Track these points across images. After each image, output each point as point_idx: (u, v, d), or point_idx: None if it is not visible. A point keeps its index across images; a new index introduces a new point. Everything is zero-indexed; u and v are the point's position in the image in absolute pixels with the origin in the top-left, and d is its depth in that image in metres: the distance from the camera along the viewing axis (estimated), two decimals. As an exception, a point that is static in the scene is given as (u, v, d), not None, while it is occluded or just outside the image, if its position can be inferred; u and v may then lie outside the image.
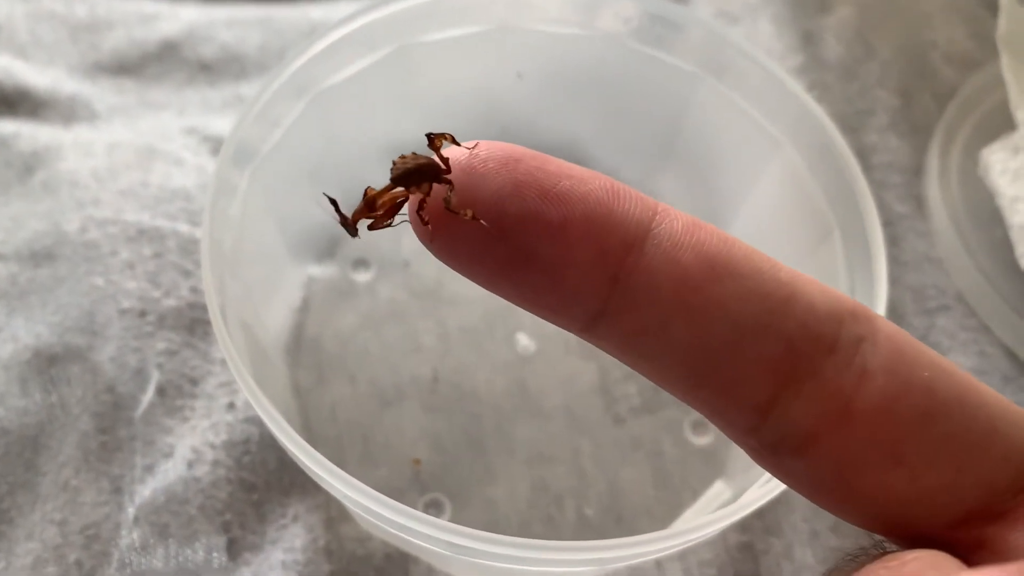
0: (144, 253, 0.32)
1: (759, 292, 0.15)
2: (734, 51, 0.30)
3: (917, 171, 0.36)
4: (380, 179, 0.33)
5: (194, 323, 0.31)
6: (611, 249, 0.15)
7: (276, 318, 0.31)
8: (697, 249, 0.15)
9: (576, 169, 0.16)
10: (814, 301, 0.15)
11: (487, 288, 0.16)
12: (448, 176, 0.16)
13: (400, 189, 0.17)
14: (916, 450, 0.15)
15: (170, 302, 0.32)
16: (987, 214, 0.34)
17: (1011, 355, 0.33)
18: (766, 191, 0.31)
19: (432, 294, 0.33)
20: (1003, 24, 0.36)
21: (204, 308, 0.31)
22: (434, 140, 0.17)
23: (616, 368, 0.32)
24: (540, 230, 0.15)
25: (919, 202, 0.36)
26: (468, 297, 0.33)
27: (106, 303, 0.31)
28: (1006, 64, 0.36)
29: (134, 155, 0.36)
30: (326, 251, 0.33)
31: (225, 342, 0.23)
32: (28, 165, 0.36)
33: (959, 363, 0.32)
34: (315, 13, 0.43)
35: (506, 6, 0.32)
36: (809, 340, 0.15)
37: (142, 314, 0.31)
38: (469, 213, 0.15)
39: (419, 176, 0.16)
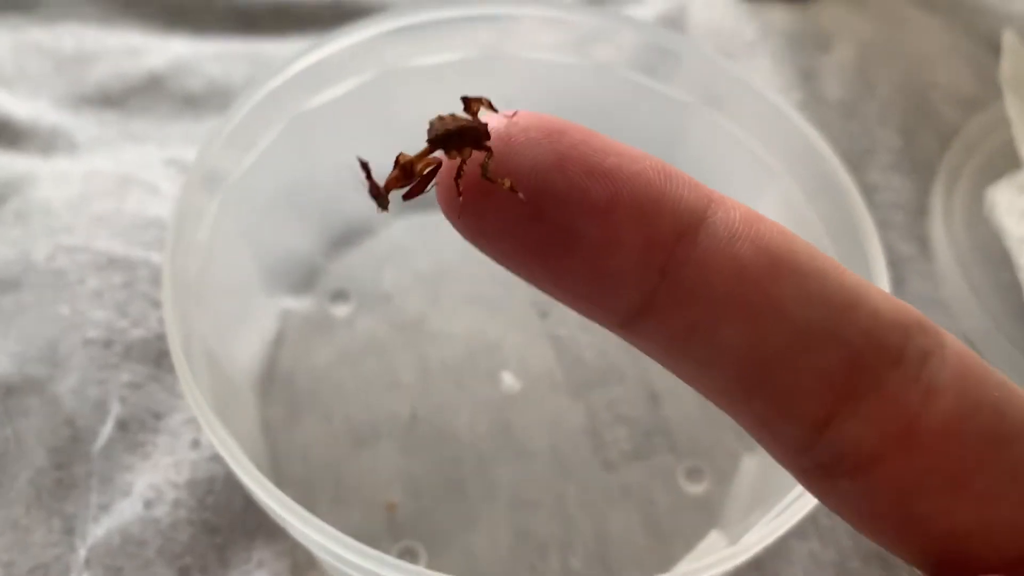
0: (114, 282, 0.31)
1: (822, 295, 0.14)
2: (730, 80, 0.29)
3: (921, 211, 0.35)
4: (365, 208, 0.32)
5: (161, 355, 0.30)
6: (661, 236, 0.14)
7: (247, 352, 0.30)
8: (757, 242, 0.14)
9: (625, 147, 0.14)
10: (880, 309, 0.14)
11: (517, 272, 0.15)
12: (488, 143, 0.14)
13: (436, 154, 0.15)
14: (985, 477, 0.13)
15: (138, 332, 0.30)
16: (994, 255, 0.33)
17: (1022, 401, 0.31)
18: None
19: (414, 328, 0.31)
20: (1006, 64, 0.35)
21: (173, 340, 0.29)
22: (471, 104, 0.15)
23: (606, 410, 0.31)
24: (583, 209, 0.14)
25: (923, 242, 0.34)
26: (451, 332, 0.31)
27: (70, 333, 0.30)
28: (1010, 103, 0.35)
29: (110, 183, 0.35)
30: (303, 283, 0.32)
31: (183, 373, 0.22)
32: (1, 194, 0.35)
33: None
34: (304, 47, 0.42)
35: (493, 33, 0.31)
36: (873, 351, 0.13)
37: (107, 344, 0.30)
38: (507, 183, 0.14)
39: (459, 139, 0.15)
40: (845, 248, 0.26)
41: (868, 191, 0.35)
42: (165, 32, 0.43)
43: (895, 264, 0.34)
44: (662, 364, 0.15)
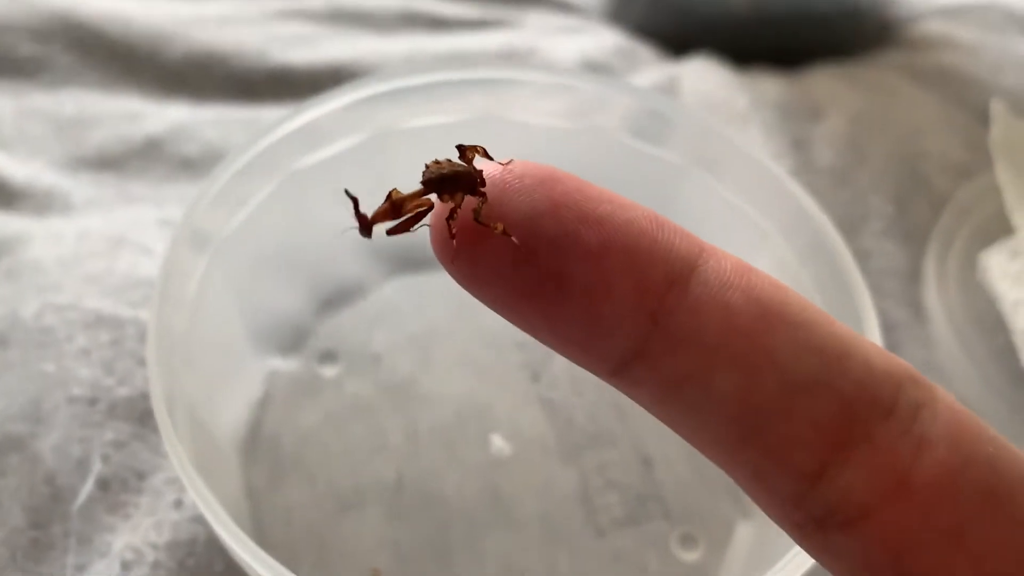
0: (101, 340, 0.31)
1: (814, 345, 0.14)
2: (722, 144, 0.30)
3: (914, 277, 0.35)
4: (356, 268, 0.32)
5: (146, 414, 0.29)
6: (653, 282, 0.14)
7: (232, 412, 0.29)
8: (748, 292, 0.14)
9: (617, 196, 0.14)
10: (871, 360, 0.14)
11: (509, 317, 0.15)
12: (482, 189, 0.15)
13: (428, 196, 0.15)
14: (980, 532, 0.13)
15: (123, 391, 0.30)
16: (989, 320, 0.33)
17: None
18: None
19: (402, 390, 0.31)
20: (995, 131, 0.36)
21: (158, 399, 0.29)
22: (465, 152, 0.16)
23: (598, 474, 0.30)
24: (576, 254, 0.14)
25: (917, 308, 0.34)
26: (441, 394, 0.31)
27: (55, 390, 0.29)
28: (1000, 170, 0.35)
29: (103, 243, 0.35)
30: (291, 343, 0.32)
31: (166, 430, 0.22)
32: (-6, 253, 0.35)
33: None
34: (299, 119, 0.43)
35: (489, 96, 0.31)
36: (865, 401, 0.13)
37: (92, 402, 0.29)
38: (500, 227, 0.14)
39: (453, 184, 0.15)
40: (839, 311, 0.26)
41: (861, 257, 0.35)
42: (164, 98, 0.44)
43: (889, 330, 0.34)
44: (653, 413, 0.15)
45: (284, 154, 0.29)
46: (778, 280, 0.15)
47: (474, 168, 0.15)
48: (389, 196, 0.16)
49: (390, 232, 0.16)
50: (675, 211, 0.31)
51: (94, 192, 0.39)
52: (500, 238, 0.14)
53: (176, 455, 0.22)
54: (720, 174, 0.30)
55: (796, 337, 0.14)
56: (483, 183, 0.15)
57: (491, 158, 0.15)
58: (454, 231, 0.15)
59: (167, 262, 0.25)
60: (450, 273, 0.15)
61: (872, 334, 0.25)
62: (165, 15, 0.47)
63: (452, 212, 0.15)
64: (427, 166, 0.16)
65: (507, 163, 0.15)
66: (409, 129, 0.30)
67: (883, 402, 0.13)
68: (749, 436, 0.14)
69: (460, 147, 0.16)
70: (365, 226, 0.16)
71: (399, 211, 0.16)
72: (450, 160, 0.16)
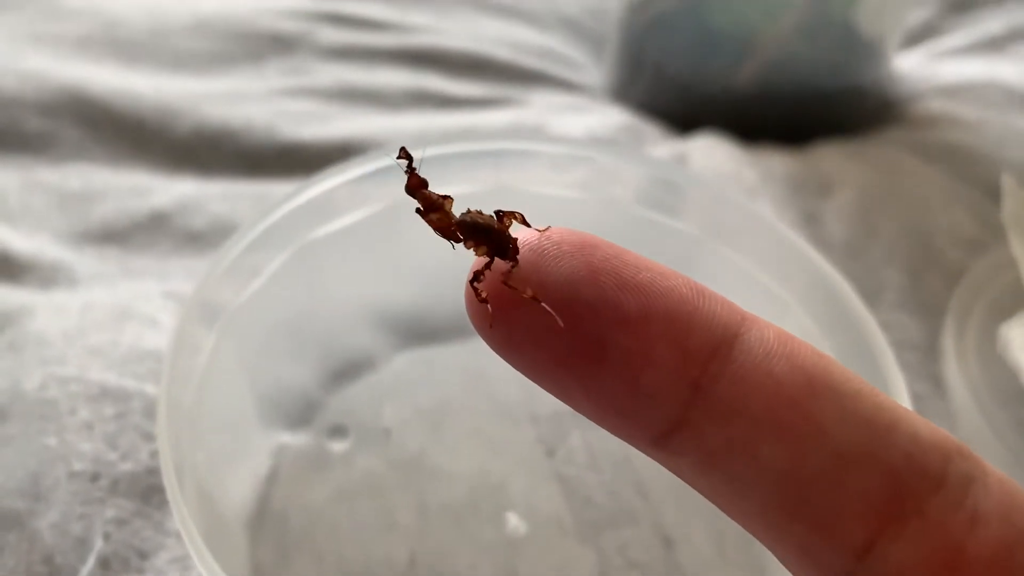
0: (105, 413, 0.30)
1: (861, 415, 0.13)
2: (738, 213, 0.29)
3: (931, 349, 0.35)
4: (366, 340, 0.31)
5: (150, 490, 0.28)
6: (695, 350, 0.14)
7: (240, 487, 0.28)
8: (792, 361, 0.14)
9: (656, 264, 0.14)
10: (919, 431, 0.13)
11: (546, 386, 0.14)
12: (515, 255, 0.15)
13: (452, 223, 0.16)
14: None
15: (127, 466, 0.29)
16: (1011, 393, 0.32)
17: (1054, 548, 0.29)
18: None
19: (414, 466, 0.30)
20: (1008, 205, 0.36)
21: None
22: (503, 218, 0.15)
23: (617, 555, 0.29)
24: (616, 321, 0.14)
25: (936, 381, 0.34)
26: (453, 470, 0.30)
27: (56, 465, 0.28)
28: (1015, 244, 0.35)
29: (108, 316, 0.34)
30: (301, 417, 0.31)
31: (180, 510, 0.21)
32: (-3, 326, 0.35)
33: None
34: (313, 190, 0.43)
35: (501, 168, 0.31)
36: (915, 474, 0.13)
37: (94, 478, 0.28)
38: (529, 292, 0.14)
39: (483, 236, 0.15)
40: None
41: (878, 330, 0.35)
42: (172, 173, 0.44)
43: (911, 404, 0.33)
44: (694, 485, 0.14)
45: (296, 226, 0.29)
46: (818, 348, 0.14)
47: (507, 231, 0.15)
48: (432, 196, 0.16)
49: (410, 186, 0.16)
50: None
51: (99, 266, 0.39)
52: (536, 304, 0.14)
53: (187, 530, 0.21)
54: (736, 244, 0.30)
55: (843, 407, 0.13)
56: (516, 250, 0.15)
57: (528, 224, 0.15)
58: (483, 294, 0.15)
59: (177, 335, 0.25)
60: (484, 339, 0.15)
61: (903, 403, 0.24)
62: (174, 91, 0.47)
63: (478, 274, 0.15)
64: (468, 210, 0.16)
65: (544, 230, 0.15)
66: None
67: (933, 474, 0.13)
68: (796, 509, 0.13)
69: (498, 212, 0.16)
70: (412, 185, 0.16)
71: (430, 204, 0.16)
72: (489, 215, 0.15)
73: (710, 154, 0.43)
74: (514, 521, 0.29)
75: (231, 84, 0.48)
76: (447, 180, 0.31)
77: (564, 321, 0.14)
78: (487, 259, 0.15)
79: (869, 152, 0.44)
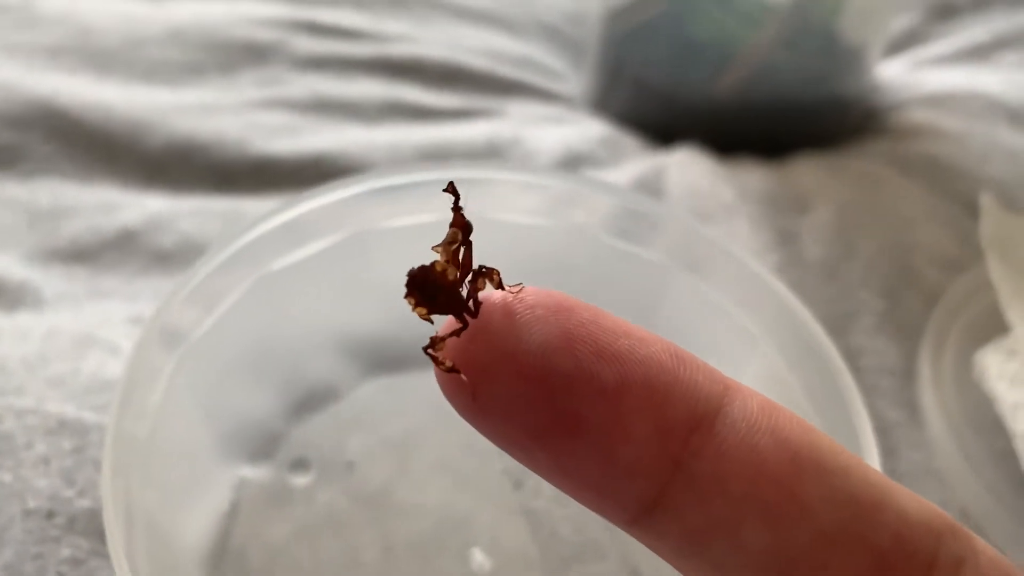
0: (63, 447, 0.29)
1: (847, 493, 0.13)
2: (706, 244, 0.29)
3: (907, 375, 0.34)
4: (331, 369, 0.30)
5: (106, 528, 0.28)
6: (675, 424, 0.13)
7: (197, 524, 0.28)
8: (777, 435, 0.13)
9: (635, 328, 0.14)
10: (908, 510, 0.13)
11: (519, 458, 0.14)
12: (468, 318, 0.14)
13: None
14: None
15: (84, 503, 0.28)
16: (987, 421, 0.32)
17: (1028, 582, 0.29)
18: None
19: (377, 502, 0.29)
20: (986, 226, 0.35)
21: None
22: (478, 278, 0.14)
23: (583, 590, 0.28)
24: (592, 393, 0.13)
25: (912, 408, 0.33)
26: (419, 505, 0.29)
27: (10, 502, 0.28)
28: (993, 267, 0.34)
29: (70, 342, 0.34)
30: (262, 450, 0.30)
31: (116, 549, 0.20)
32: (-43, 352, 0.34)
33: (970, 591, 0.29)
34: (278, 217, 0.42)
35: (469, 196, 0.30)
36: (903, 556, 0.13)
37: (49, 515, 0.28)
38: (448, 364, 0.14)
39: (431, 294, 0.14)
40: (830, 418, 0.25)
41: (852, 355, 0.34)
42: (143, 189, 0.43)
43: (884, 431, 0.32)
44: (675, 566, 0.14)
45: (259, 254, 0.28)
46: (806, 421, 0.14)
47: (459, 295, 0.14)
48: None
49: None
50: (660, 313, 0.31)
51: (66, 286, 0.38)
52: (511, 373, 0.13)
53: (121, 571, 0.20)
54: (705, 274, 0.29)
55: (830, 485, 0.13)
56: (471, 312, 0.14)
57: (502, 286, 0.14)
58: (446, 363, 0.14)
59: (132, 364, 0.24)
60: (455, 408, 0.14)
61: (868, 444, 0.23)
62: (146, 103, 0.46)
63: (434, 341, 0.14)
64: (431, 264, 0.15)
65: (517, 289, 0.14)
66: (386, 229, 0.30)
67: (922, 557, 0.13)
68: None
69: (476, 271, 0.15)
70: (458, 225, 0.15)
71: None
72: (452, 270, 0.14)
73: (687, 169, 0.42)
74: (479, 558, 0.29)
75: (204, 95, 0.47)
76: (412, 210, 0.30)
77: (537, 393, 0.13)
78: (454, 324, 0.14)
79: (849, 166, 0.44)
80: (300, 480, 0.30)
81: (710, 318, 0.29)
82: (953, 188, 0.42)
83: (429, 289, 0.15)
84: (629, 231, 0.30)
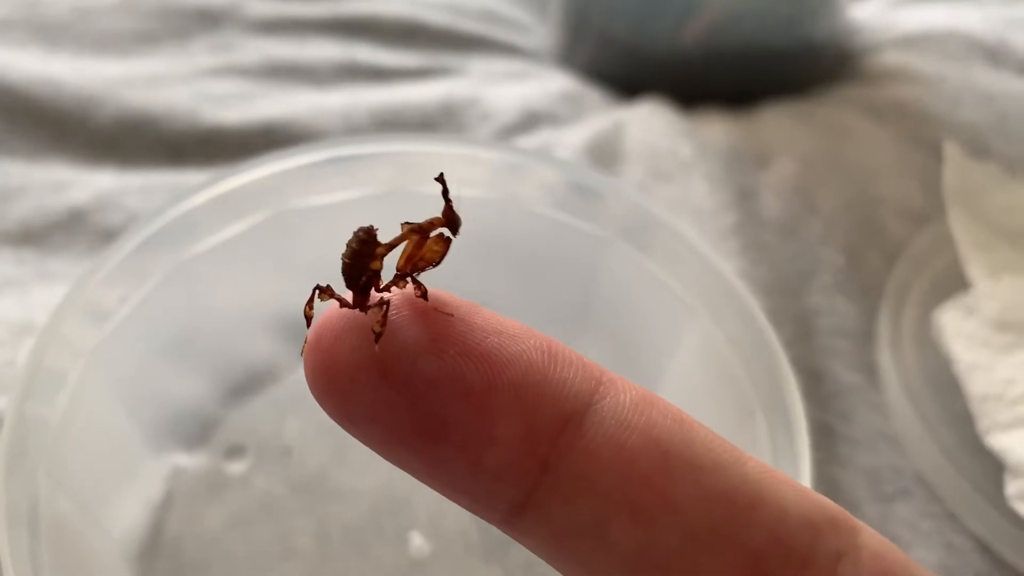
0: (-8, 443, 0.29)
1: (720, 492, 0.12)
2: (648, 217, 0.28)
3: (867, 336, 0.33)
4: (267, 350, 0.29)
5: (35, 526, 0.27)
6: (543, 425, 0.13)
7: (128, 515, 0.27)
8: (648, 432, 0.13)
9: (508, 323, 0.13)
10: (785, 505, 0.13)
11: (390, 460, 0.13)
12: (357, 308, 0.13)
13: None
14: None
15: (15, 499, 0.28)
16: (945, 383, 0.31)
17: (982, 547, 0.28)
18: (685, 365, 0.28)
19: (314, 487, 0.29)
20: (948, 175, 0.34)
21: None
22: (399, 280, 0.14)
23: (524, 572, 0.28)
24: (457, 395, 0.13)
25: (871, 371, 0.32)
26: (355, 489, 0.29)
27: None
28: (954, 218, 0.33)
29: (9, 331, 0.33)
30: (198, 436, 0.30)
31: (4, 549, 0.20)
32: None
33: (923, 558, 0.28)
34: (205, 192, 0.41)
35: (396, 170, 0.29)
36: (778, 555, 0.12)
37: (-21, 514, 0.27)
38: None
39: (362, 263, 0.14)
40: (765, 397, 0.24)
41: (810, 316, 0.33)
42: (93, 165, 0.42)
43: (841, 395, 0.31)
44: (549, 563, 0.14)
45: (179, 236, 0.27)
46: (683, 413, 0.13)
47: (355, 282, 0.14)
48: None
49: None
50: (599, 285, 0.30)
51: (14, 271, 0.38)
52: (374, 376, 0.13)
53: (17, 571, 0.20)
54: (645, 247, 0.28)
55: (701, 483, 0.13)
56: (364, 305, 0.13)
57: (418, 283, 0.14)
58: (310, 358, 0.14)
59: (39, 347, 0.23)
60: (323, 409, 0.14)
61: (799, 428, 0.23)
62: (96, 76, 0.45)
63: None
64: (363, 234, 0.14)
65: (402, 283, 0.14)
66: (313, 206, 0.29)
67: (798, 554, 0.12)
68: None
69: (406, 274, 0.14)
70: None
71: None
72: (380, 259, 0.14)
73: (647, 125, 0.40)
74: (418, 541, 0.28)
75: (155, 65, 0.46)
76: (340, 186, 0.29)
77: (404, 395, 0.13)
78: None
79: (817, 113, 0.42)
80: (236, 467, 0.29)
81: (649, 290, 0.28)
82: (922, 135, 0.40)
83: (363, 261, 0.14)
84: (571, 204, 0.29)
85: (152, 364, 0.28)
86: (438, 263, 0.14)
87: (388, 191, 0.29)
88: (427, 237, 0.14)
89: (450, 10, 0.50)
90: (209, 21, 0.49)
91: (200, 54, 0.47)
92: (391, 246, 0.14)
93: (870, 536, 0.13)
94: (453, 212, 0.14)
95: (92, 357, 0.25)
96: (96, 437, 0.26)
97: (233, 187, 0.28)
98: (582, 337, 0.31)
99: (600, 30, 0.47)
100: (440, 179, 0.14)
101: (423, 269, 0.14)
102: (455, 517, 0.28)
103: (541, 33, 0.50)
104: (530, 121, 0.43)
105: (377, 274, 0.14)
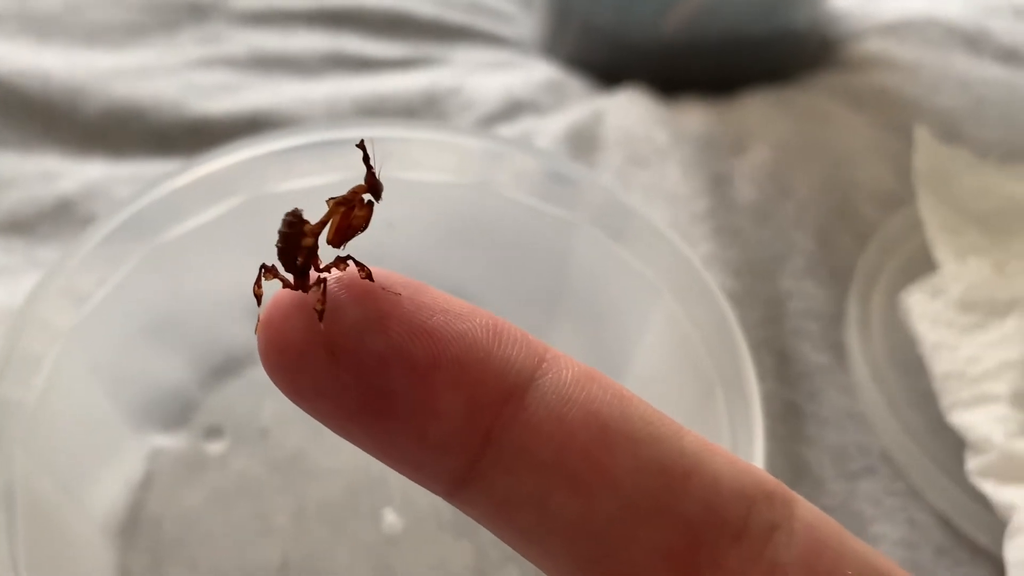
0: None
1: (657, 463, 0.13)
2: (618, 205, 0.28)
3: (837, 318, 0.33)
4: (243, 332, 0.30)
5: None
6: (485, 399, 0.13)
7: (108, 495, 0.28)
8: (588, 406, 0.13)
9: (455, 303, 0.14)
10: (720, 478, 0.13)
11: (340, 433, 0.14)
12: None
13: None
14: None
15: None
16: (912, 364, 0.31)
17: (944, 523, 0.29)
18: (652, 345, 0.28)
19: (291, 466, 0.30)
20: (918, 159, 0.34)
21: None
22: (338, 263, 0.14)
23: (495, 548, 0.29)
24: (403, 371, 0.13)
25: (839, 352, 0.33)
26: (331, 469, 0.30)
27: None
28: (923, 202, 0.33)
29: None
30: (177, 418, 0.30)
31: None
32: None
33: (886, 533, 0.28)
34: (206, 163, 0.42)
35: (380, 155, 0.30)
36: (712, 525, 0.13)
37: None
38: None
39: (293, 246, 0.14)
40: (725, 371, 0.25)
41: (781, 299, 0.34)
42: (82, 156, 0.43)
43: (809, 375, 0.32)
44: (495, 535, 0.14)
45: (153, 222, 0.28)
46: (624, 389, 0.14)
47: (293, 260, 0.14)
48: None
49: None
50: (570, 269, 0.30)
51: (3, 259, 0.38)
52: (320, 352, 0.13)
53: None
54: (616, 233, 0.28)
55: (637, 455, 0.13)
56: (305, 284, 0.14)
57: (361, 264, 0.14)
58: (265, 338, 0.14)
59: (16, 327, 0.24)
60: (275, 384, 0.14)
61: (754, 406, 0.23)
62: (86, 67, 0.46)
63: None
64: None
65: (342, 264, 0.14)
66: (283, 192, 0.29)
67: (732, 525, 0.13)
68: (589, 563, 0.13)
69: (341, 258, 0.14)
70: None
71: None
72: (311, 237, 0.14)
73: (626, 112, 0.41)
74: (391, 518, 0.29)
75: (144, 57, 0.47)
76: (314, 171, 0.30)
77: (351, 372, 0.13)
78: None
79: (796, 100, 0.42)
80: (214, 447, 0.30)
81: (619, 274, 0.28)
82: (899, 121, 0.41)
83: (295, 242, 0.14)
84: (546, 191, 0.30)
85: (131, 347, 0.29)
86: (364, 229, 0.14)
87: (360, 175, 0.30)
88: (353, 208, 0.14)
89: (436, 1, 0.51)
90: (197, 13, 0.49)
91: (188, 46, 0.48)
92: (322, 224, 0.14)
93: (805, 508, 0.13)
94: (375, 179, 0.14)
95: (69, 339, 0.26)
96: (75, 418, 0.27)
97: (209, 171, 0.29)
98: (555, 319, 0.32)
99: (583, 19, 0.47)
100: (360, 146, 0.14)
101: (351, 237, 0.14)
102: (428, 495, 0.29)
103: (526, 23, 0.51)
104: (512, 110, 0.43)
105: (312, 253, 0.14)
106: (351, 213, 0.14)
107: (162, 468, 0.29)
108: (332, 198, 0.14)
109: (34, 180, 0.41)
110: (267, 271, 0.15)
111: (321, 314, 0.13)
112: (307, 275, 0.14)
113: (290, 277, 0.14)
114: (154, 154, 0.43)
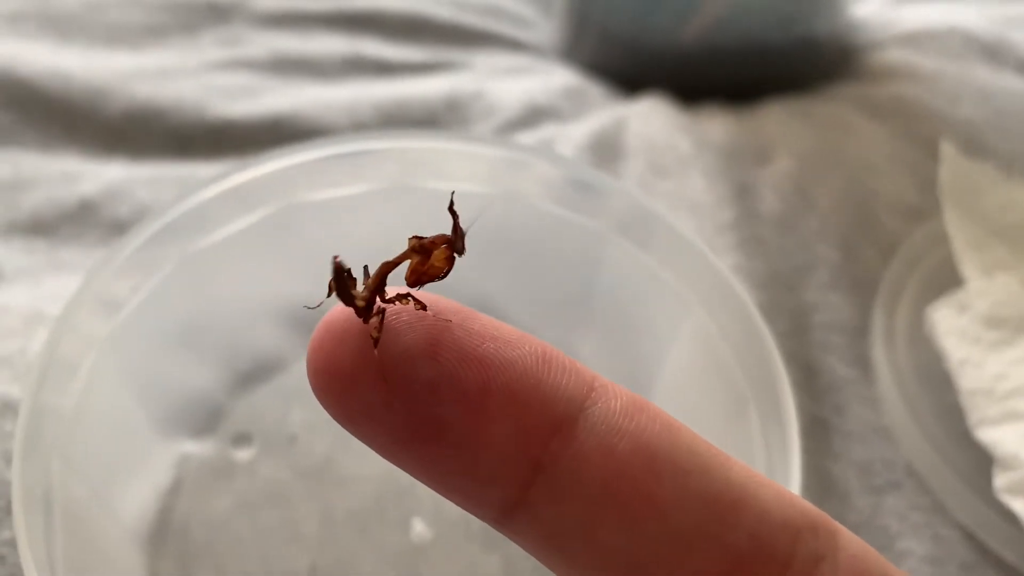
0: (5, 429, 0.30)
1: (705, 494, 0.13)
2: (646, 214, 0.28)
3: (862, 331, 0.34)
4: (274, 341, 0.30)
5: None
6: (536, 428, 0.13)
7: (137, 501, 0.28)
8: (636, 437, 0.13)
9: (505, 330, 0.14)
10: (768, 508, 0.13)
11: (387, 459, 0.14)
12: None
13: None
14: None
15: (28, 484, 0.29)
16: (937, 378, 0.31)
17: (969, 538, 0.29)
18: (681, 357, 0.28)
19: (319, 473, 0.30)
20: (944, 174, 0.34)
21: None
22: (400, 297, 0.14)
23: (524, 559, 0.29)
24: (454, 398, 0.13)
25: (865, 365, 0.33)
26: (359, 476, 0.30)
27: (-45, 485, 0.28)
28: (949, 217, 0.33)
29: (21, 319, 0.34)
30: (205, 425, 0.31)
31: (20, 533, 0.20)
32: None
33: (911, 549, 0.29)
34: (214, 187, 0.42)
35: (400, 165, 0.30)
36: (759, 557, 0.13)
37: (-7, 498, 0.28)
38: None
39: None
40: (759, 387, 0.25)
41: (806, 311, 0.34)
42: (103, 157, 0.43)
43: (835, 389, 0.32)
44: (541, 563, 0.14)
45: (188, 229, 0.28)
46: (671, 418, 0.14)
47: (351, 293, 0.14)
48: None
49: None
50: (599, 279, 0.30)
51: (25, 260, 0.39)
52: (373, 375, 0.13)
53: (34, 556, 0.21)
54: (643, 243, 0.29)
55: (685, 486, 0.13)
56: (362, 313, 0.14)
57: (421, 303, 0.14)
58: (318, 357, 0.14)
59: (54, 336, 0.24)
60: (325, 409, 0.14)
61: (790, 425, 0.23)
62: (106, 69, 0.46)
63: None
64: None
65: (404, 297, 0.14)
66: (315, 201, 0.29)
67: (779, 556, 0.13)
68: None
69: (402, 295, 0.14)
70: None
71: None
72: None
73: (648, 120, 0.41)
74: (419, 527, 0.29)
75: (164, 59, 0.47)
76: (346, 180, 0.30)
77: (402, 398, 0.13)
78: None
79: (816, 110, 0.42)
80: (243, 454, 0.30)
81: (646, 284, 0.29)
82: (920, 132, 0.41)
83: (345, 289, 0.14)
84: (571, 200, 0.30)
85: (162, 353, 0.29)
86: (441, 278, 0.14)
87: (392, 186, 0.30)
88: (431, 254, 0.14)
89: (455, 5, 0.51)
90: (217, 15, 0.49)
91: (208, 47, 0.48)
92: (396, 263, 0.14)
93: (848, 539, 0.13)
94: (460, 234, 0.14)
95: (104, 346, 0.26)
96: (108, 425, 0.27)
97: (242, 181, 0.29)
98: (581, 330, 0.32)
99: (602, 26, 0.47)
100: (451, 208, 0.14)
101: (426, 282, 0.14)
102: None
103: (545, 28, 0.51)
104: (533, 116, 0.43)
105: (379, 289, 0.14)
106: (428, 259, 0.14)
107: (190, 475, 0.29)
108: (415, 236, 0.14)
109: (55, 181, 0.41)
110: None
111: (376, 341, 0.13)
112: (372, 308, 0.14)
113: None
114: (175, 156, 0.43)
